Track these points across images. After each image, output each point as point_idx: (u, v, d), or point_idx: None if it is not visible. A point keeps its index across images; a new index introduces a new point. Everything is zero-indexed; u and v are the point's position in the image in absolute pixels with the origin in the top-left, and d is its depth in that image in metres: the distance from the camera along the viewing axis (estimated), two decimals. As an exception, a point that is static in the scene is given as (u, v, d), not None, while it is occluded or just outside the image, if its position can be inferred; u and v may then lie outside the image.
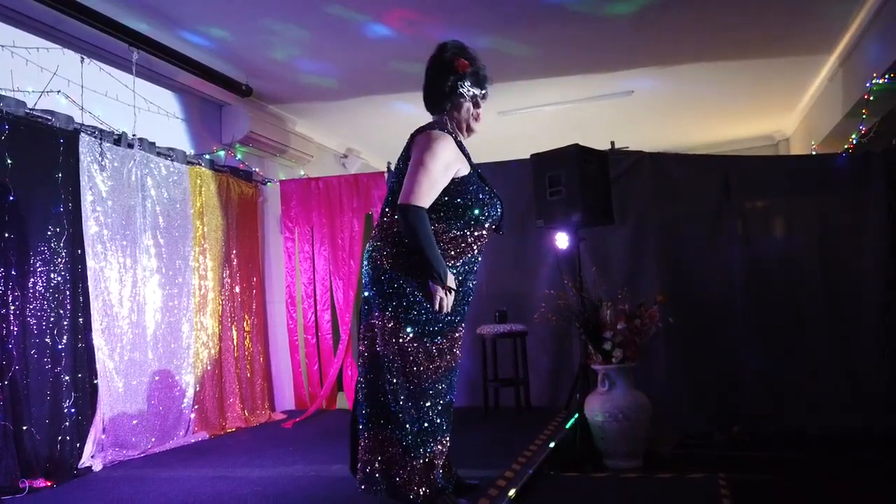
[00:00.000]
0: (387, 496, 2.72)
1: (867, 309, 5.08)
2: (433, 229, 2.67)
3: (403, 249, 2.69)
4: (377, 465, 2.71)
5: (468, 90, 2.80)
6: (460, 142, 2.85)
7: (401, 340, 2.68)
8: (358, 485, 2.77)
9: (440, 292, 2.65)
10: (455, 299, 2.72)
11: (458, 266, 2.76)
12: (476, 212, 2.75)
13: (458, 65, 2.77)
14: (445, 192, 2.72)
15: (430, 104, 2.87)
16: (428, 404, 2.70)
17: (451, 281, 2.67)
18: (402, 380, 2.68)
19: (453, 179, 2.74)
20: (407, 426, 2.68)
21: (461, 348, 2.87)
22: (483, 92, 2.85)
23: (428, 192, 2.64)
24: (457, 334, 2.83)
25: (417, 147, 2.71)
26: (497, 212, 2.83)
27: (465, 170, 2.79)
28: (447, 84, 2.78)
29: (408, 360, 2.68)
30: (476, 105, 2.85)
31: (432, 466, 2.72)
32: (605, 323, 4.52)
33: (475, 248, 2.81)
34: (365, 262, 2.79)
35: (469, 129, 2.89)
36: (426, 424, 2.70)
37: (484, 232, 2.81)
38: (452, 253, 2.73)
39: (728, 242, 5.33)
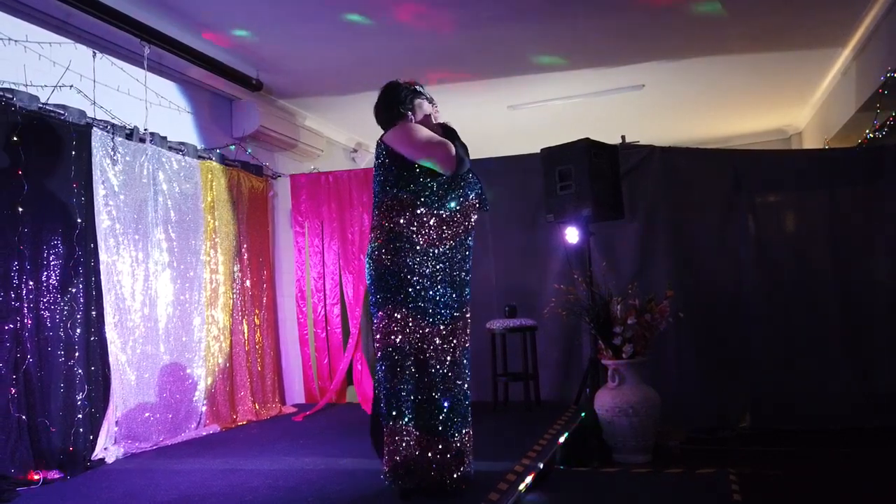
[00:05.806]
0: (414, 486, 2.80)
1: (879, 304, 5.05)
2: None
3: (400, 245, 2.87)
4: (402, 458, 2.79)
5: (422, 91, 3.14)
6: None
7: (416, 329, 2.84)
8: (386, 480, 2.84)
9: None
10: (447, 286, 2.94)
11: (445, 249, 2.94)
12: (462, 188, 3.01)
13: (406, 82, 3.14)
14: (432, 174, 2.90)
15: (392, 116, 3.08)
16: (458, 386, 2.89)
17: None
18: (421, 367, 2.84)
19: None
20: (434, 411, 2.83)
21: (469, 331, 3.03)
22: (429, 96, 3.17)
23: (433, 137, 2.95)
24: (466, 316, 3.00)
25: (397, 140, 2.94)
26: (479, 188, 3.11)
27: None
28: (402, 94, 3.09)
29: (423, 345, 2.84)
30: (432, 102, 3.16)
31: (464, 452, 2.89)
32: (615, 318, 4.52)
33: (466, 224, 3.03)
34: (367, 262, 2.95)
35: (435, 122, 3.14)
36: (455, 407, 2.86)
37: (469, 206, 3.03)
38: (448, 233, 2.95)
39: (738, 237, 5.31)
